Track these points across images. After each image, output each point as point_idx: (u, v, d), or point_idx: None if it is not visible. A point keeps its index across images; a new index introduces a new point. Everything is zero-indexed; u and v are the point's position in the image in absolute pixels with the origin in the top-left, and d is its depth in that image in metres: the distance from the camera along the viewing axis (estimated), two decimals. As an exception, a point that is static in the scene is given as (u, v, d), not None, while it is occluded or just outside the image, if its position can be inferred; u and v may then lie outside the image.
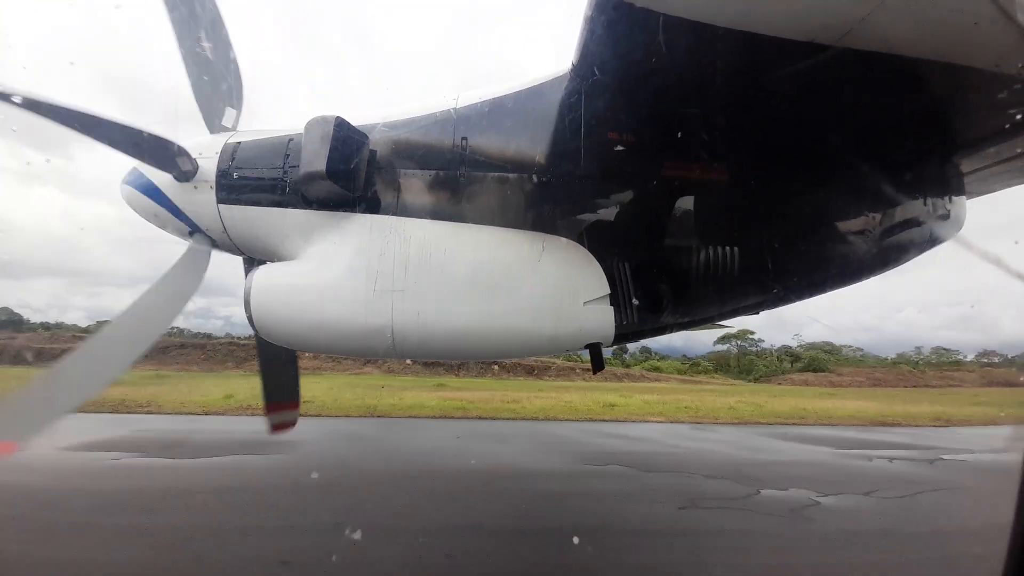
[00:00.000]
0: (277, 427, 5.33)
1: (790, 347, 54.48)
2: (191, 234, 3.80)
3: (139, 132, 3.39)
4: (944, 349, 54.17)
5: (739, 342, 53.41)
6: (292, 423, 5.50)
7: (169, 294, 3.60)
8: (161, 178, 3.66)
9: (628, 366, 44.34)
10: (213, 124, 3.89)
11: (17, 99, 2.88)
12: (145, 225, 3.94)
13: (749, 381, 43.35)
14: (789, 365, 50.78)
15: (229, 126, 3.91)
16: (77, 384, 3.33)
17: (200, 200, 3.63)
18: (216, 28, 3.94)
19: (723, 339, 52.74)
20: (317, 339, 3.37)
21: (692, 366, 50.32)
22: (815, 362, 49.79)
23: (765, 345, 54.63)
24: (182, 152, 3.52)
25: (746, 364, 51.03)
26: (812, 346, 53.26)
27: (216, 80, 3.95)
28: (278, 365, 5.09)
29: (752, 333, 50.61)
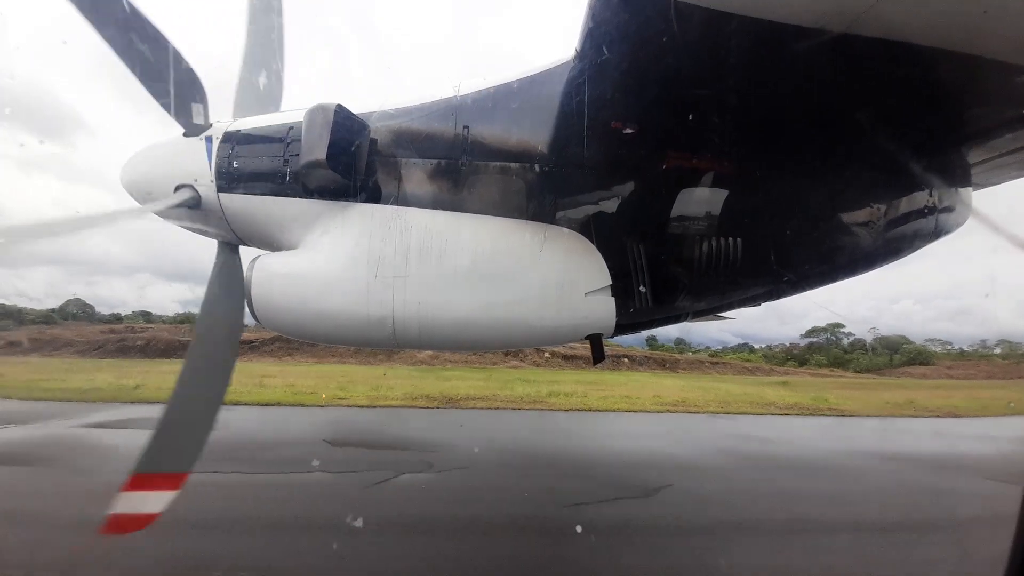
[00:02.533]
0: (119, 523, 3.12)
1: (863, 340, 53.72)
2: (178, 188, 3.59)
3: (181, 60, 3.19)
4: (1007, 341, 52.49)
5: (828, 335, 52.89)
6: (149, 517, 3.14)
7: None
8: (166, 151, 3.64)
9: (716, 355, 43.72)
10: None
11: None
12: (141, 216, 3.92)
13: (856, 373, 42.40)
14: (888, 359, 49.95)
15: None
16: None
17: (199, 160, 3.55)
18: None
19: (812, 332, 52.54)
20: (318, 329, 3.37)
21: (786, 360, 48.93)
22: (921, 355, 48.94)
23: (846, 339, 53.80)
24: (203, 99, 3.47)
25: (836, 357, 49.93)
26: (887, 340, 52.50)
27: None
28: (194, 405, 3.45)
29: (842, 326, 50.42)
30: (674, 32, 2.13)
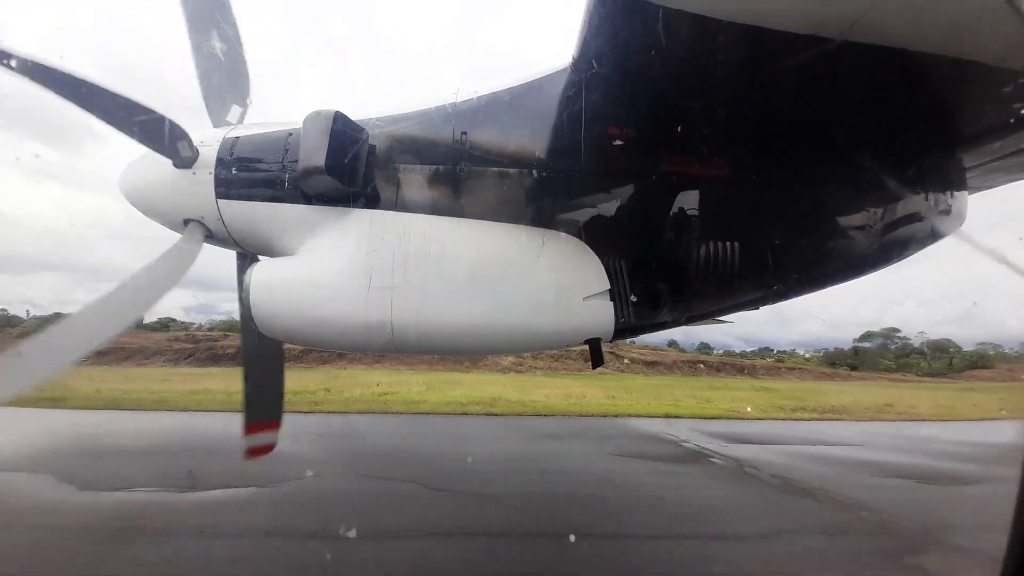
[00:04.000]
0: (254, 451, 4.68)
1: (912, 344, 53.45)
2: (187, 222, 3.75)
3: (142, 108, 3.22)
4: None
5: (883, 340, 52.76)
6: (271, 447, 4.83)
7: (164, 268, 3.48)
8: (161, 174, 3.64)
9: (774, 358, 43.38)
10: (218, 120, 3.91)
11: (12, 62, 2.69)
12: (147, 221, 3.94)
13: (924, 377, 42.19)
14: (948, 364, 49.70)
15: (233, 122, 3.91)
16: (65, 346, 3.11)
17: (200, 192, 3.60)
18: (228, 25, 3.96)
19: (866, 336, 52.53)
20: (316, 334, 3.37)
21: (831, 364, 48.30)
22: (983, 359, 48.82)
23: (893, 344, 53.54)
24: (184, 136, 3.46)
25: (882, 361, 49.61)
26: (938, 344, 52.32)
27: (225, 77, 3.97)
28: (263, 377, 4.64)
29: (897, 331, 50.58)
30: (669, 39, 2.14)
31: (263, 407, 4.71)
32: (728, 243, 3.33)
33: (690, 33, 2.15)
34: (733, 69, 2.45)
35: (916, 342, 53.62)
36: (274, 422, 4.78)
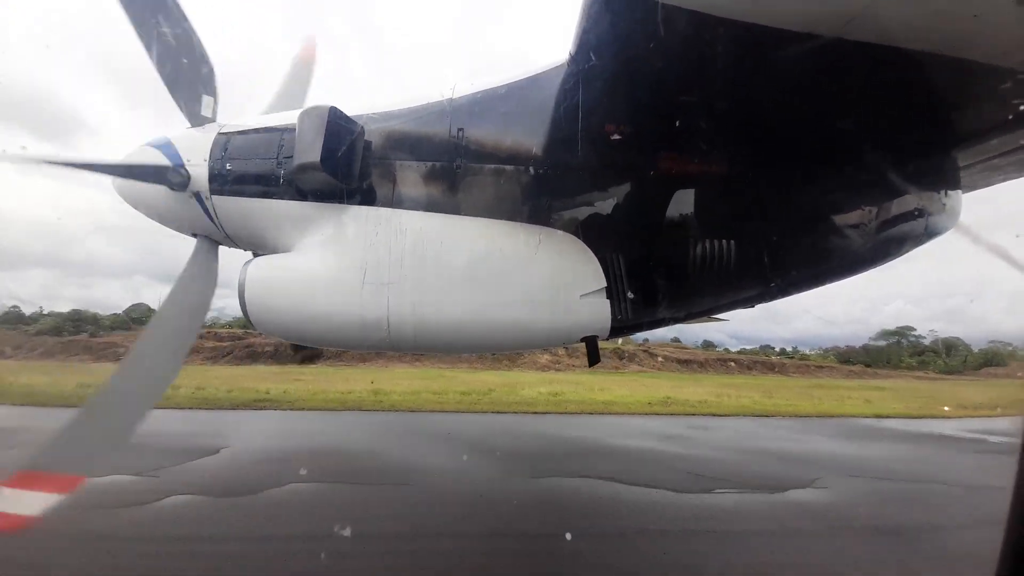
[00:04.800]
0: (304, 360, 4.73)
1: (923, 343, 53.53)
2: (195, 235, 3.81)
3: (132, 166, 3.62)
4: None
5: (899, 338, 52.79)
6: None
7: (190, 297, 3.56)
8: (157, 192, 3.65)
9: (805, 357, 43.02)
10: (193, 115, 3.74)
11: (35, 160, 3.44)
12: (136, 216, 3.91)
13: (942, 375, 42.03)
14: (963, 362, 49.57)
15: (209, 115, 3.78)
16: (130, 405, 3.14)
17: (194, 205, 3.61)
18: (175, 13, 3.67)
19: (882, 334, 52.62)
20: (312, 331, 3.36)
21: (843, 361, 47.99)
22: (996, 357, 48.77)
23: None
24: (172, 170, 3.51)
25: (904, 359, 49.36)
26: (948, 342, 52.31)
27: (186, 70, 3.74)
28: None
29: (913, 329, 50.53)
30: (666, 36, 2.14)
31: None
32: (724, 241, 3.33)
33: (687, 29, 2.15)
34: (730, 66, 2.44)
35: (927, 340, 53.95)
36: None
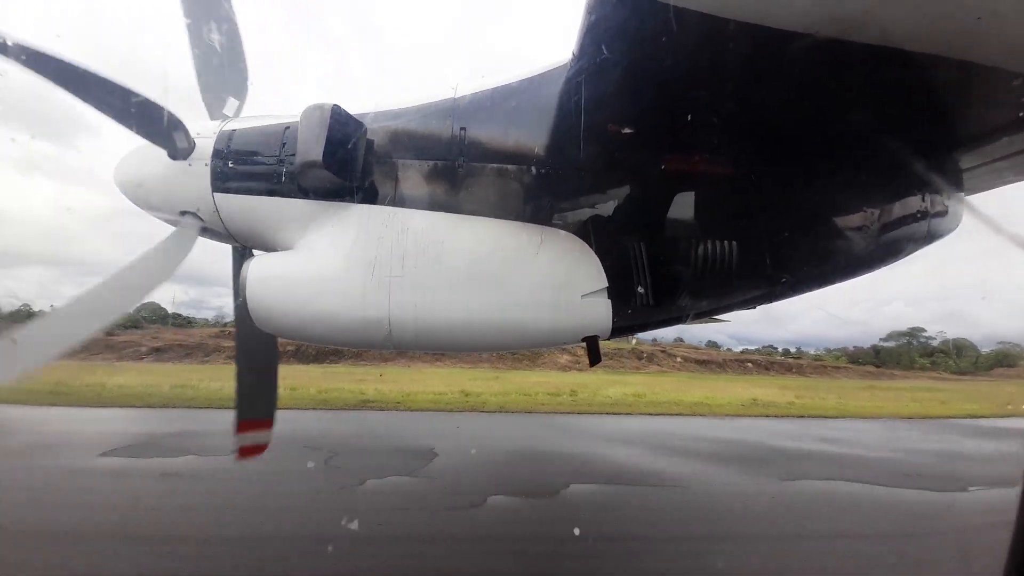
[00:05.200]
0: (246, 451, 4.62)
1: (932, 344, 53.02)
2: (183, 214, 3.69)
3: (138, 97, 3.15)
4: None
5: (908, 339, 52.42)
6: (264, 446, 4.72)
7: (154, 264, 3.46)
8: (156, 166, 3.61)
9: (820, 359, 42.90)
10: (215, 112, 3.84)
11: (7, 47, 2.63)
12: (139, 214, 3.90)
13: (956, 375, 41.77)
14: (974, 363, 49.08)
15: (230, 115, 3.86)
16: (54, 337, 3.12)
17: (193, 178, 3.52)
18: (227, 17, 3.93)
19: (892, 335, 52.10)
20: (313, 330, 3.35)
21: (853, 362, 47.50)
22: (1008, 358, 48.39)
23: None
24: (180, 126, 3.38)
25: (912, 360, 48.91)
26: (957, 343, 51.79)
27: (222, 70, 3.93)
28: (256, 374, 4.63)
29: (923, 330, 50.08)
30: (670, 36, 2.13)
31: (256, 405, 4.68)
32: (726, 242, 3.33)
33: (691, 30, 2.14)
34: (733, 67, 2.44)
35: (935, 342, 53.50)
36: (266, 421, 4.70)
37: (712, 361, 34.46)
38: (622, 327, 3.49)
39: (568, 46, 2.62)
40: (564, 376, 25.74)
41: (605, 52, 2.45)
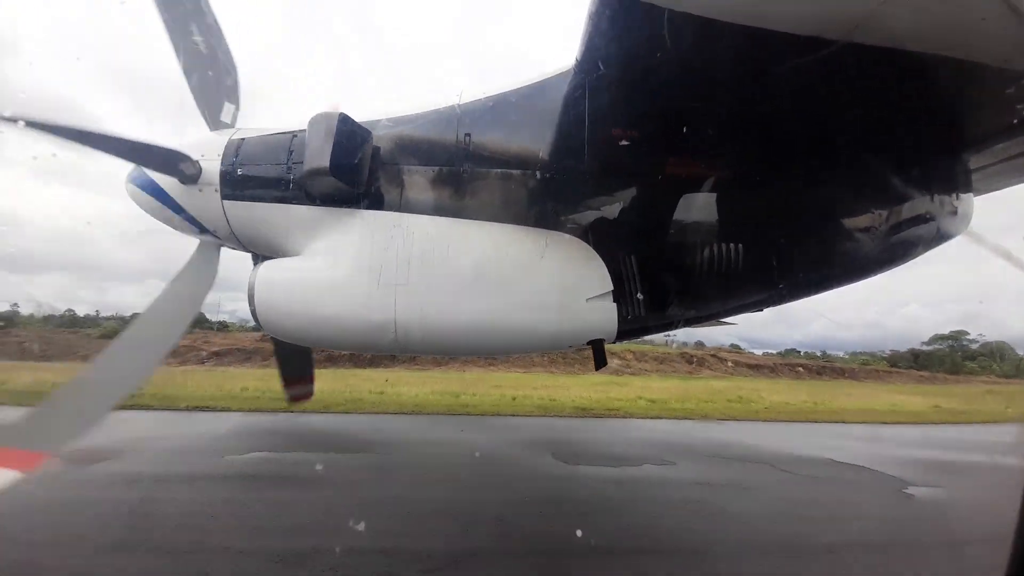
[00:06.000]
0: (296, 398, 6.16)
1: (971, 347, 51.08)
2: (200, 231, 3.83)
3: (142, 144, 3.52)
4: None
5: (952, 342, 50.83)
6: (309, 395, 6.22)
7: (185, 293, 3.63)
8: (165, 178, 3.69)
9: (867, 362, 41.62)
10: (213, 120, 3.90)
11: (21, 123, 2.94)
12: (151, 220, 3.98)
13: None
14: (1016, 367, 46.08)
15: (228, 122, 3.92)
16: (106, 390, 3.22)
17: (204, 200, 3.66)
18: (208, 24, 3.92)
19: (935, 339, 50.87)
20: (321, 334, 3.39)
21: (892, 365, 45.99)
22: None
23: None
24: (184, 158, 3.56)
25: (956, 364, 46.89)
26: (999, 346, 49.15)
27: (212, 77, 3.94)
28: (292, 346, 4.87)
29: (966, 333, 48.77)
30: (673, 42, 2.15)
31: (297, 366, 5.82)
32: (732, 244, 3.32)
33: (694, 35, 2.15)
34: (737, 71, 2.45)
35: (976, 345, 51.78)
36: (308, 377, 6.01)
37: (764, 366, 33.25)
38: (627, 330, 3.49)
39: (571, 46, 2.64)
40: (699, 382, 24.80)
41: (608, 58, 2.46)
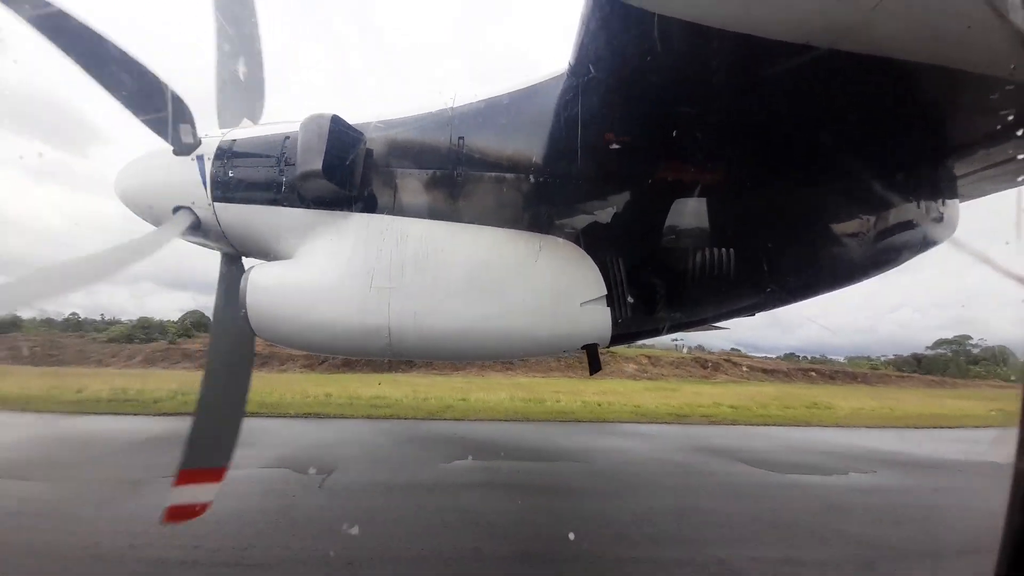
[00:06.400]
0: (177, 512, 3.57)
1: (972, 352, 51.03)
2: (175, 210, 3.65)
3: (155, 81, 3.11)
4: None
5: (955, 347, 50.59)
6: (204, 507, 3.63)
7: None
8: (159, 163, 3.63)
9: (877, 367, 41.92)
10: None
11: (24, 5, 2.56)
12: (141, 224, 3.91)
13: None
14: (1020, 370, 47.94)
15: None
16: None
17: (195, 179, 3.53)
18: (252, 43, 4.09)
19: (939, 343, 50.77)
20: (313, 339, 3.35)
21: (897, 369, 46.09)
22: None
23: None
24: (191, 119, 3.40)
25: (960, 367, 46.72)
26: (1000, 350, 50.34)
27: (242, 93, 4.07)
28: (222, 410, 3.79)
29: (969, 338, 48.65)
30: (664, 47, 2.17)
31: (210, 449, 3.63)
32: (724, 249, 3.35)
33: (685, 41, 2.18)
34: (727, 77, 2.47)
35: (977, 349, 51.96)
36: (217, 471, 3.63)
37: (778, 371, 33.23)
38: (621, 335, 3.49)
39: (566, 48, 2.65)
40: (746, 388, 24.48)
41: (601, 63, 2.48)
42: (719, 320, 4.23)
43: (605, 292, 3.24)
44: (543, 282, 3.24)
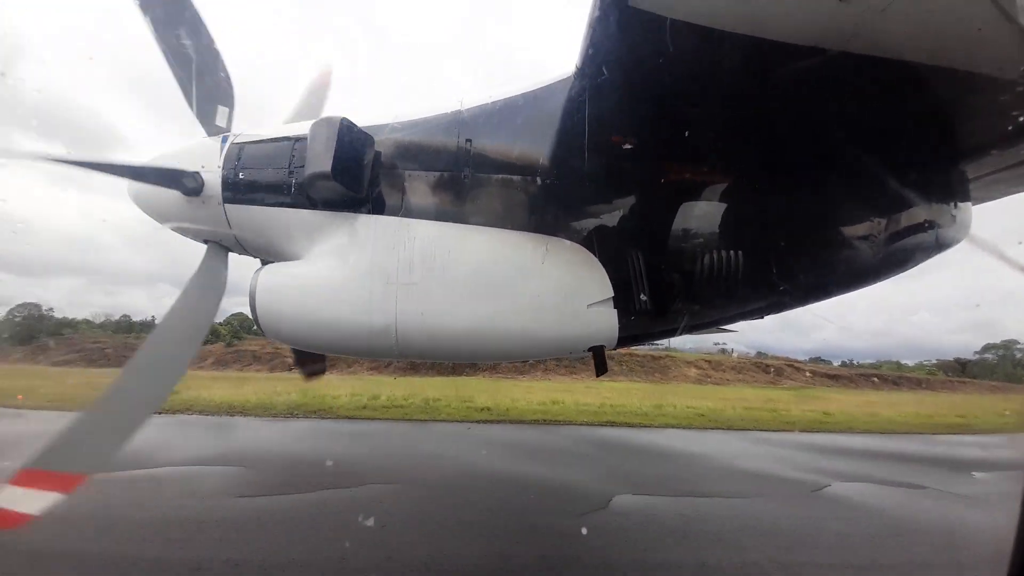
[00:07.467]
0: (311, 375, 5.91)
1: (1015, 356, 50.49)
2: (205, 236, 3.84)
3: (145, 168, 3.74)
4: None
5: (1002, 351, 49.97)
6: (323, 371, 5.99)
7: (197, 301, 3.58)
8: (171, 197, 3.72)
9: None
10: (208, 124, 3.89)
11: (49, 159, 3.51)
12: (159, 226, 3.99)
13: None
14: None
15: (223, 125, 3.91)
16: (133, 407, 3.14)
17: (207, 209, 3.68)
18: (195, 25, 3.80)
19: (987, 348, 50.13)
20: (321, 339, 3.39)
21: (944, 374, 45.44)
22: None
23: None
24: (186, 174, 3.60)
25: (1000, 372, 45.71)
26: None
27: (203, 79, 3.86)
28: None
29: (1017, 342, 48.03)
30: (672, 50, 2.17)
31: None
32: (732, 252, 3.33)
33: (693, 44, 2.18)
34: (736, 80, 2.47)
35: (1020, 354, 50.89)
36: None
37: (842, 376, 32.81)
38: (628, 336, 3.48)
39: (574, 49, 2.66)
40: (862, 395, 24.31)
41: (608, 65, 2.49)
42: (727, 323, 4.21)
43: (612, 294, 3.24)
44: (550, 284, 3.24)
